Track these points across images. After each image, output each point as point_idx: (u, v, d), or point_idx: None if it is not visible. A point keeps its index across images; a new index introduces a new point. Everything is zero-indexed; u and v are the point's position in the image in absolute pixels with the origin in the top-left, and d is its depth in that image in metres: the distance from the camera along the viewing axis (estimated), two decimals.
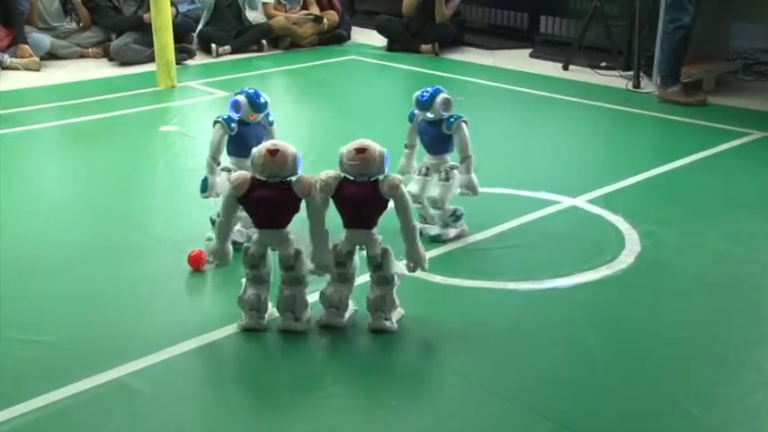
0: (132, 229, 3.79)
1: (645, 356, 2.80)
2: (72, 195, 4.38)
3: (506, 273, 3.36)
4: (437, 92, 3.57)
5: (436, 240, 3.60)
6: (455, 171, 3.60)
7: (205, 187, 3.46)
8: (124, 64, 7.32)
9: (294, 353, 2.81)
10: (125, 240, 3.64)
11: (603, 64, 7.07)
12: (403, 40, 8.04)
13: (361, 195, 2.82)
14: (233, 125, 3.46)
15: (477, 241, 3.66)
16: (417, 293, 3.16)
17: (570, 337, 2.92)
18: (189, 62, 7.47)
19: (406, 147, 3.68)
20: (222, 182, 3.42)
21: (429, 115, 3.57)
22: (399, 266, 2.89)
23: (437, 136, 3.59)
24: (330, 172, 2.84)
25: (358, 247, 2.88)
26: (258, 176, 2.84)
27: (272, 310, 2.94)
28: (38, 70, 7.12)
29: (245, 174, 2.87)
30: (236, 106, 3.45)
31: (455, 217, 3.66)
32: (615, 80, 6.73)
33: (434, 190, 3.59)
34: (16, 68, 7.06)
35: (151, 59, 6.86)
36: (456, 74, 7.19)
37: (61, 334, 2.91)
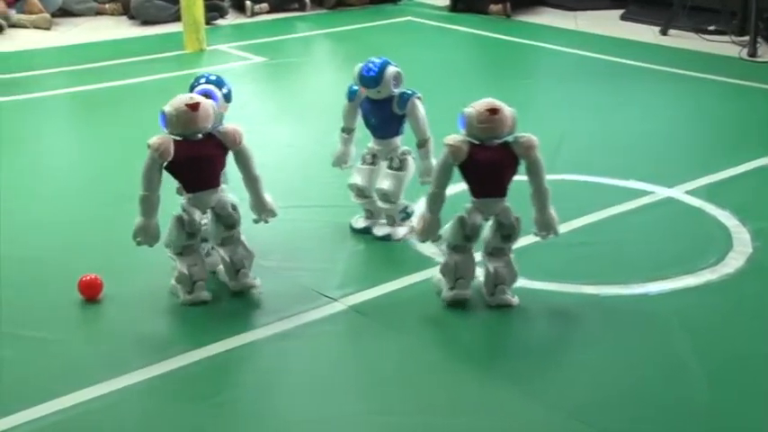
0: None
1: (753, 380, 2.74)
2: (83, 174, 4.48)
3: (585, 274, 3.32)
4: (385, 64, 3.48)
5: (385, 239, 3.58)
6: (409, 158, 3.54)
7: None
8: (146, 23, 7.44)
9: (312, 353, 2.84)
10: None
11: (712, 28, 6.92)
12: None
13: (494, 160, 2.94)
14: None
15: (552, 237, 3.61)
16: (478, 296, 3.15)
17: (662, 353, 2.87)
18: (220, 22, 7.56)
19: (343, 131, 3.63)
20: None
21: (376, 92, 3.48)
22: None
23: (386, 117, 3.52)
24: (457, 136, 2.93)
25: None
26: (178, 136, 2.93)
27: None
28: (48, 28, 7.28)
29: (164, 137, 2.93)
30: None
31: (405, 214, 3.62)
32: (726, 47, 6.59)
33: (384, 181, 3.52)
34: (24, 26, 7.23)
35: (177, 18, 6.95)
36: (530, 39, 7.12)
37: (75, 331, 2.98)
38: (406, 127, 3.58)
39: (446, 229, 3.06)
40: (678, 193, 4.07)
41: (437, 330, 3.04)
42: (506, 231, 3.03)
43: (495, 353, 2.92)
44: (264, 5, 7.92)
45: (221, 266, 3.17)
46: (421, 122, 3.51)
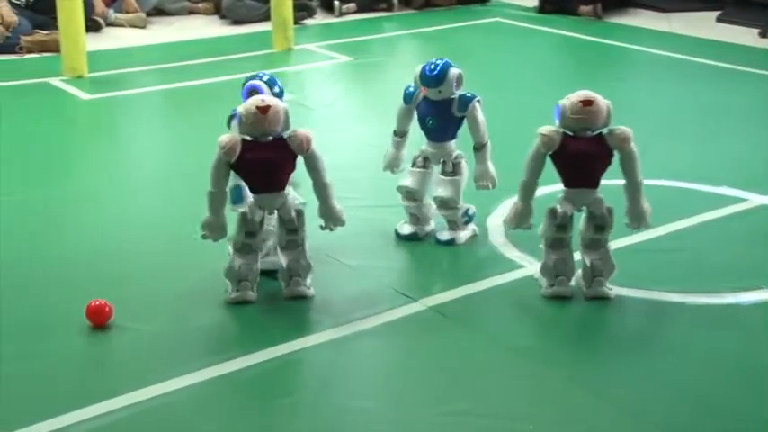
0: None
1: None
2: (174, 170, 4.59)
3: (672, 281, 3.25)
4: (447, 66, 3.43)
5: (449, 244, 3.53)
6: (462, 161, 3.49)
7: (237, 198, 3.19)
8: (236, 22, 7.60)
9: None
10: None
11: None
12: (559, 0, 7.90)
13: (587, 151, 2.97)
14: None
15: (638, 243, 3.55)
16: (562, 303, 3.12)
17: (753, 366, 2.80)
18: (308, 21, 7.66)
19: (396, 134, 3.55)
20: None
21: (437, 92, 3.43)
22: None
23: (445, 119, 3.46)
24: (550, 127, 2.98)
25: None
26: (248, 137, 2.95)
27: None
28: (143, 27, 7.50)
29: (233, 136, 2.97)
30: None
31: (467, 217, 3.57)
32: None
33: (440, 188, 3.47)
34: (121, 25, 7.47)
35: (266, 18, 7.08)
36: (621, 41, 7.00)
37: (170, 322, 3.06)
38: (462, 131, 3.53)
39: (541, 225, 3.09)
40: None
41: (519, 333, 3.02)
42: (598, 222, 3.05)
43: (578, 359, 2.88)
44: (352, 5, 7.99)
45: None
46: (481, 125, 3.47)
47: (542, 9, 7.98)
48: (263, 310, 3.10)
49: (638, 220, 3.09)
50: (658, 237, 3.58)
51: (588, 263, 3.09)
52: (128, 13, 7.57)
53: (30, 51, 6.53)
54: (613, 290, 3.13)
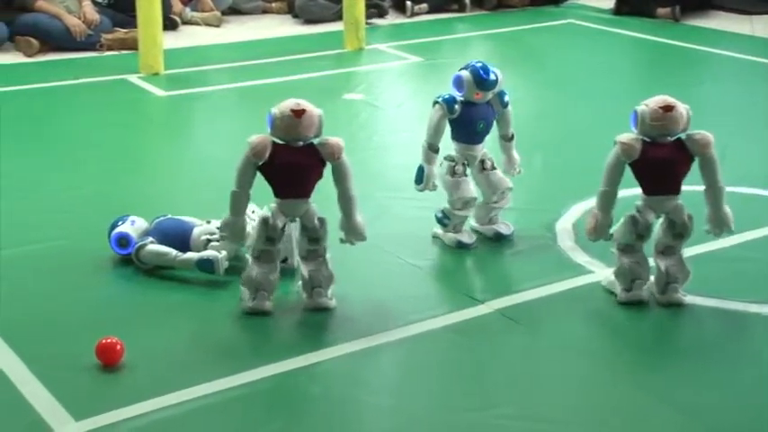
0: None
1: None
2: None
3: (747, 291, 3.18)
4: (488, 65, 3.44)
5: (508, 239, 3.55)
6: (491, 156, 3.54)
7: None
8: (309, 21, 7.68)
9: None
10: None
11: None
12: (635, 2, 7.78)
13: (669, 157, 2.94)
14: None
15: (714, 251, 3.48)
16: (632, 309, 3.08)
17: None
18: (379, 21, 7.70)
19: (432, 148, 3.42)
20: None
21: (490, 95, 3.44)
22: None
23: (491, 118, 3.50)
24: (629, 134, 2.95)
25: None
26: (279, 140, 2.91)
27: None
28: (218, 26, 7.64)
29: (265, 137, 2.92)
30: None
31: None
32: None
33: (502, 180, 3.51)
34: (196, 23, 7.62)
35: (338, 17, 7.14)
36: (700, 44, 6.85)
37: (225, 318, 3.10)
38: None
39: (617, 228, 3.05)
40: None
41: (586, 338, 2.99)
42: (678, 230, 3.02)
43: (648, 366, 2.84)
44: (424, 6, 8.00)
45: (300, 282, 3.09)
46: (512, 117, 3.54)
47: (618, 11, 7.86)
48: (324, 313, 3.12)
49: (719, 226, 3.04)
50: (734, 245, 3.50)
51: (663, 269, 3.05)
52: (204, 11, 7.72)
53: (110, 49, 6.71)
54: (687, 296, 3.08)
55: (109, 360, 2.74)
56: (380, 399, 2.67)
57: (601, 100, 5.46)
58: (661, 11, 7.64)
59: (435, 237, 3.60)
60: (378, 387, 2.75)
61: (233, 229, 2.98)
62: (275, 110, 2.92)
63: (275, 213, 2.97)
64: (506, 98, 3.52)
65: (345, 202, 3.00)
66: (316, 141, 2.95)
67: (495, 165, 3.56)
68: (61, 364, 2.78)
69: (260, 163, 2.91)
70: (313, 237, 2.99)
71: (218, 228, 3.15)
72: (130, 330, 2.94)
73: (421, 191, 3.49)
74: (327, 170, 3.00)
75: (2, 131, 4.93)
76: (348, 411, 2.63)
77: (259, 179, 2.99)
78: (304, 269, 3.04)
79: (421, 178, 3.45)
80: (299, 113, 2.88)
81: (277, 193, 2.98)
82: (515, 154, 3.60)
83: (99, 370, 2.73)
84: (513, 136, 3.57)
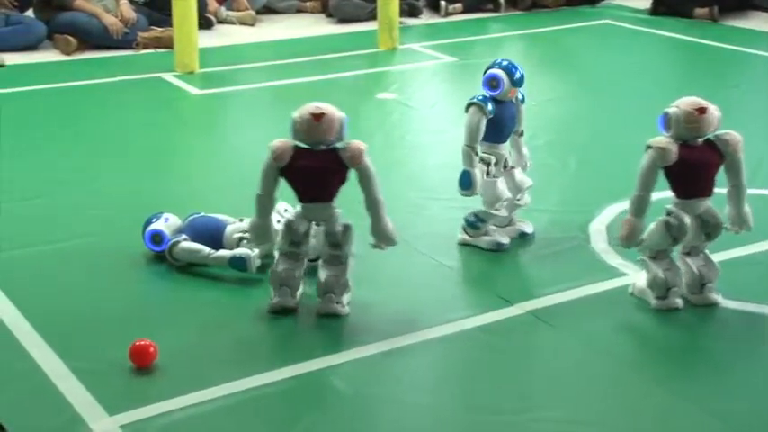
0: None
1: None
2: None
3: None
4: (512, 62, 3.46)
5: (532, 237, 3.55)
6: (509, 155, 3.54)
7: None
8: (342, 21, 7.70)
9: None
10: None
11: None
12: (672, 2, 7.70)
13: (702, 159, 2.94)
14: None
15: (749, 255, 3.45)
16: (666, 313, 3.06)
17: None
18: (413, 21, 7.69)
19: (474, 151, 3.36)
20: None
21: (518, 95, 3.47)
22: None
23: (516, 116, 3.51)
24: (663, 138, 2.93)
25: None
26: (301, 144, 2.91)
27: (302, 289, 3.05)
28: (252, 25, 7.68)
29: (286, 141, 2.93)
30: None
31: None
32: None
33: (526, 178, 3.52)
34: (231, 22, 7.68)
35: (372, 17, 7.15)
36: (738, 45, 6.76)
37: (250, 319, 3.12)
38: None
39: (649, 234, 3.02)
40: None
41: (620, 342, 2.97)
42: (710, 230, 3.01)
43: (684, 372, 2.81)
44: (459, 6, 7.98)
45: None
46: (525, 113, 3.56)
47: (655, 11, 7.78)
48: (355, 313, 3.13)
49: (740, 224, 3.05)
50: (764, 250, 3.46)
51: (696, 270, 3.04)
52: (239, 10, 7.77)
53: (145, 47, 6.78)
54: (720, 295, 3.07)
55: (142, 362, 2.76)
56: (414, 397, 2.68)
57: (636, 101, 5.41)
58: (699, 11, 7.55)
59: (463, 244, 3.54)
60: (410, 385, 2.76)
61: (258, 232, 3.02)
62: (296, 114, 2.93)
63: (299, 217, 2.99)
64: (520, 95, 3.53)
65: (372, 205, 2.98)
66: (339, 145, 2.95)
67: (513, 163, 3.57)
68: (95, 360, 2.81)
69: (282, 166, 2.93)
70: (334, 242, 2.99)
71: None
72: (162, 327, 2.98)
73: (469, 196, 3.41)
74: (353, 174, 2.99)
75: (40, 128, 5.01)
76: (381, 410, 2.64)
77: None
78: (322, 272, 3.03)
79: (468, 183, 3.37)
80: (318, 117, 2.89)
81: (300, 198, 3.00)
82: (525, 149, 3.61)
83: (132, 366, 2.77)
84: (523, 132, 3.58)
